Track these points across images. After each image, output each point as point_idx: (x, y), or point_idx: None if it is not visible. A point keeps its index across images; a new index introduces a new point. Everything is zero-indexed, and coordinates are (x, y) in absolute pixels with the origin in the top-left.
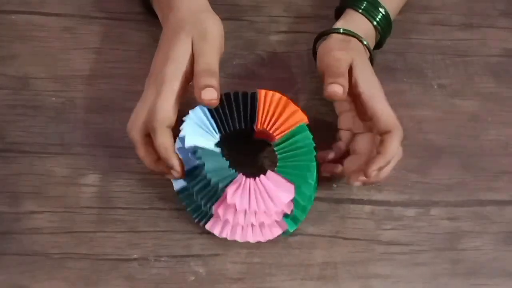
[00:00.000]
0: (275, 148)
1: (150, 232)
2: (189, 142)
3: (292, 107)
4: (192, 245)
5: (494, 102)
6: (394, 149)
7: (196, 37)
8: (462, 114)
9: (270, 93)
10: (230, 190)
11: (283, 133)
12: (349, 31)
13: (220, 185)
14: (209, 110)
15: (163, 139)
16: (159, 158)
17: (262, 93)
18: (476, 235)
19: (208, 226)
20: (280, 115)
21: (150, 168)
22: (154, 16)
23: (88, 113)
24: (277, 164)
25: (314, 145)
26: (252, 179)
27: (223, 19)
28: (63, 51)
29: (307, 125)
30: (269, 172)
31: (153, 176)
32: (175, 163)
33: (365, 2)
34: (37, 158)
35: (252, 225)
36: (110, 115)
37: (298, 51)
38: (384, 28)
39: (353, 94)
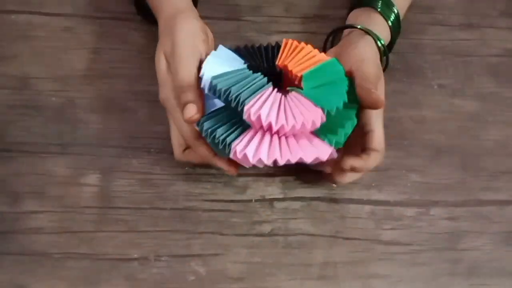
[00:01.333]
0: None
1: (150, 232)
2: (208, 72)
3: (318, 53)
4: (192, 245)
5: (494, 102)
6: (373, 166)
7: (167, 54)
8: (462, 114)
9: (296, 41)
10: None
11: (309, 68)
12: (368, 29)
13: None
14: (235, 50)
15: (201, 151)
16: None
17: (288, 40)
18: (476, 235)
19: (239, 148)
20: (304, 53)
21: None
22: (146, 18)
23: (88, 113)
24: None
25: (345, 79)
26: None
27: (223, 19)
28: (63, 51)
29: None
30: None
31: (153, 176)
32: (219, 164)
33: (380, 1)
34: (37, 158)
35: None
36: (110, 115)
37: None
38: (396, 29)
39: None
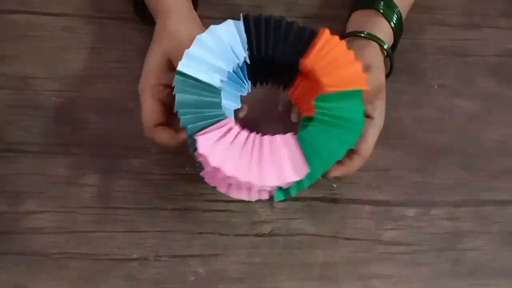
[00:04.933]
0: (316, 103)
1: (150, 232)
2: (182, 68)
3: (358, 63)
4: (192, 245)
5: (494, 102)
6: (354, 170)
7: (169, 54)
8: (462, 114)
9: (336, 36)
10: (202, 139)
11: (336, 88)
12: (372, 35)
13: (189, 127)
14: (245, 27)
15: (160, 139)
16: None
17: (325, 32)
18: (476, 235)
19: (202, 173)
20: (339, 62)
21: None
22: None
23: (88, 113)
24: (305, 126)
25: (363, 123)
26: (252, 133)
27: (223, 19)
28: (63, 51)
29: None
30: (289, 136)
31: (153, 176)
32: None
33: (382, 2)
34: (37, 158)
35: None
36: (110, 115)
37: None
38: (399, 30)
39: None
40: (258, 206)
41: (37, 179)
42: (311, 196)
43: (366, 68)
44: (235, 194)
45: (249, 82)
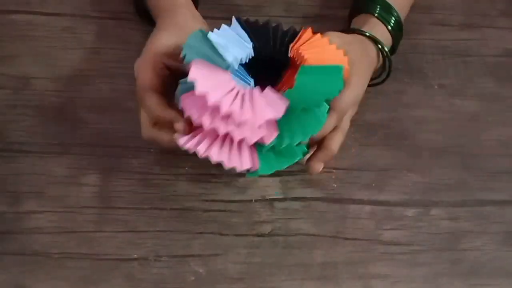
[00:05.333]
0: (297, 76)
1: (150, 232)
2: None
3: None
4: (192, 245)
5: (494, 102)
6: (331, 127)
7: (171, 46)
8: (462, 114)
9: (318, 34)
10: (197, 65)
11: (317, 63)
12: (365, 32)
13: (187, 57)
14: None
15: (149, 101)
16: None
17: (308, 30)
18: (476, 235)
19: (181, 141)
20: (323, 49)
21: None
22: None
23: (88, 113)
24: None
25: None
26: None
27: (223, 19)
28: (63, 51)
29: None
30: (267, 89)
31: (153, 176)
32: (172, 115)
33: (378, 6)
34: (37, 158)
35: (223, 138)
36: (110, 115)
37: None
38: (397, 32)
39: None
40: (258, 206)
41: (37, 179)
42: (311, 196)
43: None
44: (215, 155)
45: (253, 80)
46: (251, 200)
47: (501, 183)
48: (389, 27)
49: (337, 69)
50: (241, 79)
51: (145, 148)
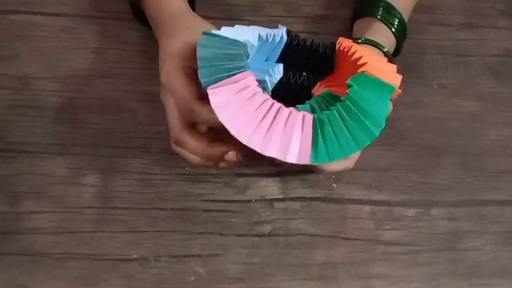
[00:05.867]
0: (349, 81)
1: (150, 232)
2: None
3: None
4: (192, 245)
5: (494, 102)
6: (334, 168)
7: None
8: (462, 114)
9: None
10: (213, 92)
11: (373, 72)
12: (370, 40)
13: (203, 81)
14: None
15: (204, 110)
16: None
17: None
18: (476, 235)
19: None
20: (376, 57)
21: (203, 159)
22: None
23: (88, 113)
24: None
25: (382, 126)
26: (270, 99)
27: (223, 19)
28: (63, 51)
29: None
30: (309, 115)
31: (153, 176)
32: (222, 150)
33: (381, 9)
34: (37, 158)
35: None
36: (110, 115)
37: None
38: (401, 33)
39: None
40: (258, 206)
41: (37, 179)
42: (311, 196)
43: None
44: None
45: (280, 65)
46: (251, 200)
47: (501, 183)
48: (393, 29)
49: (390, 89)
50: (265, 72)
51: (145, 148)
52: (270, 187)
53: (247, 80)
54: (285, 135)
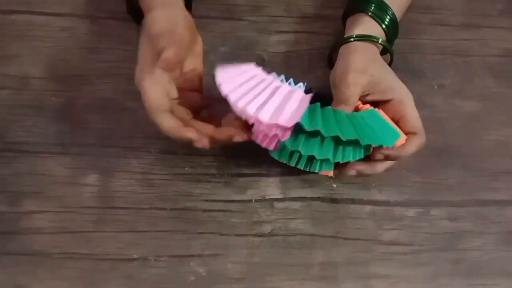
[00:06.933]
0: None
1: (150, 232)
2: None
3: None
4: (192, 245)
5: (494, 102)
6: (410, 149)
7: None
8: (462, 114)
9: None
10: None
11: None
12: (363, 36)
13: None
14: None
15: (167, 123)
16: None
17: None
18: (476, 235)
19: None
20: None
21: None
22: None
23: (88, 113)
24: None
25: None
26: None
27: (223, 19)
28: (63, 51)
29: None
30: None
31: (153, 176)
32: (192, 135)
33: (373, 5)
34: (37, 158)
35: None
36: (110, 115)
37: (298, 51)
38: (392, 31)
39: (382, 101)
40: (258, 206)
41: (37, 179)
42: (311, 196)
43: (362, 71)
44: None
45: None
46: (251, 200)
47: (501, 183)
48: (383, 26)
49: (396, 134)
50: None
51: (145, 148)
52: (270, 187)
53: (256, 69)
54: (281, 103)
